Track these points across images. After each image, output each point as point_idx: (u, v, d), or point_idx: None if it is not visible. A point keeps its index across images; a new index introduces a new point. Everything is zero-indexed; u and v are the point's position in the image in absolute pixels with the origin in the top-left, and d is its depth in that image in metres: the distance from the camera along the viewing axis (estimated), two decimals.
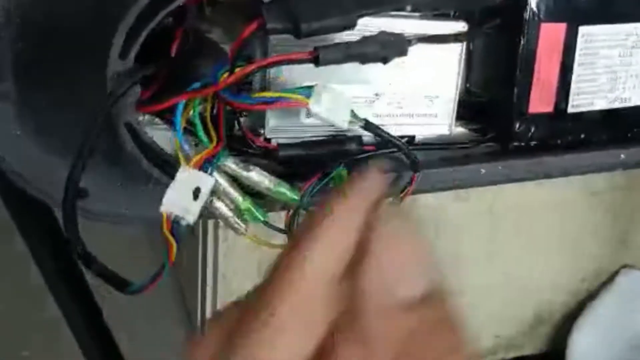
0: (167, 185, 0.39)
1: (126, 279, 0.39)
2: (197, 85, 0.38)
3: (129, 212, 0.46)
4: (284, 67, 0.40)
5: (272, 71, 0.41)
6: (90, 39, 0.39)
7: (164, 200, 0.36)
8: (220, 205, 0.40)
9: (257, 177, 0.40)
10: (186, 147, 0.38)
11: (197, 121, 0.39)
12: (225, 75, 0.38)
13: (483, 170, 0.50)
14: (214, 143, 0.39)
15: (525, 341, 0.87)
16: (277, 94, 0.38)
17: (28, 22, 0.39)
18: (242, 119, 0.44)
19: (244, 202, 0.40)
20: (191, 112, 0.38)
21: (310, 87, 0.37)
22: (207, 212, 0.39)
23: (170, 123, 0.40)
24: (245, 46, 0.36)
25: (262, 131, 0.44)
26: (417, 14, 0.42)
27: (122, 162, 0.41)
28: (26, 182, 0.44)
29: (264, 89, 0.42)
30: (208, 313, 0.57)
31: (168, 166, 0.41)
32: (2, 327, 1.03)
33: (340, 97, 0.38)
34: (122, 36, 0.36)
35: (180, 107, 0.38)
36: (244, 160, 0.41)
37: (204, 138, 0.38)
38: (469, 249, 0.75)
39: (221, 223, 0.45)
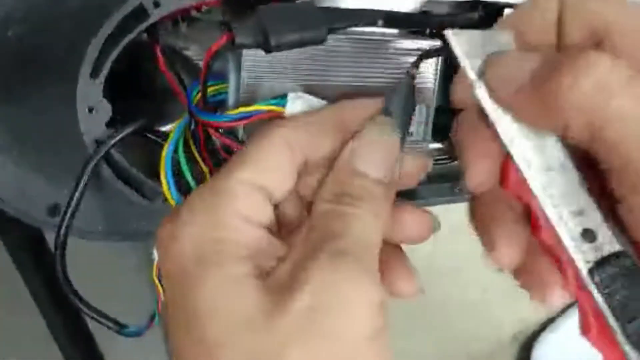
0: (137, 203, 0.40)
1: (121, 322, 0.41)
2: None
3: (103, 229, 0.46)
4: (259, 80, 0.40)
5: (245, 85, 0.41)
6: (62, 56, 0.39)
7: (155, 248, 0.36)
8: None
9: None
10: (175, 195, 0.38)
11: (183, 160, 0.39)
12: (199, 95, 0.39)
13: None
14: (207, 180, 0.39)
15: None
16: (253, 108, 0.38)
17: (2, 35, 0.39)
18: (215, 140, 0.44)
19: None
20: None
21: (284, 96, 0.37)
22: None
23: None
24: (214, 61, 0.36)
25: (234, 149, 0.44)
26: (395, 30, 0.42)
27: (95, 181, 0.41)
28: (2, 201, 0.44)
29: (237, 105, 0.41)
30: None
31: (140, 186, 0.41)
32: None
33: (314, 103, 0.38)
34: (94, 54, 0.36)
35: (172, 145, 0.39)
36: None
37: (190, 178, 0.39)
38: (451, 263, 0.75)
39: None
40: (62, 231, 0.38)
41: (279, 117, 0.37)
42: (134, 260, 1.03)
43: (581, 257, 0.28)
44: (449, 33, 0.31)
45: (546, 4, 0.31)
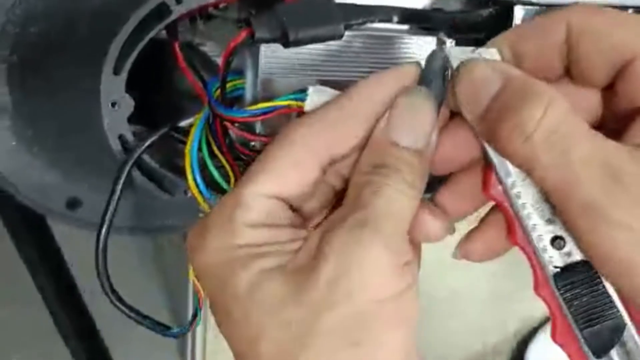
0: (159, 197, 0.40)
1: (167, 324, 0.42)
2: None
3: (120, 223, 0.46)
4: (276, 75, 0.41)
5: (263, 80, 0.41)
6: (84, 52, 0.40)
7: None
8: None
9: None
10: (204, 190, 0.39)
11: (208, 159, 0.40)
12: (218, 90, 0.39)
13: None
14: (233, 184, 0.40)
15: None
16: (272, 104, 0.39)
17: (23, 35, 0.40)
18: (231, 133, 0.45)
19: None
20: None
21: (303, 91, 0.38)
22: None
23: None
24: (234, 56, 0.37)
25: (252, 143, 0.45)
26: (406, 26, 0.43)
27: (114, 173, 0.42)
28: (19, 192, 0.45)
29: (255, 100, 0.42)
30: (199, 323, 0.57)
31: (160, 180, 0.42)
32: None
33: (333, 95, 0.39)
34: (117, 51, 0.37)
35: (196, 142, 0.39)
36: None
37: (221, 180, 0.40)
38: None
39: None
40: (101, 244, 0.39)
41: (300, 112, 0.38)
42: (142, 255, 1.03)
43: (549, 262, 0.31)
44: (444, 48, 0.33)
45: (552, 27, 0.32)
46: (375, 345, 0.29)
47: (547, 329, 0.83)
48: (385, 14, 0.39)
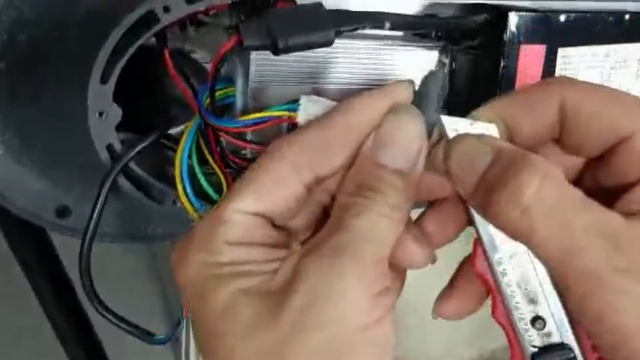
0: (145, 205, 0.40)
1: (149, 331, 0.42)
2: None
3: (111, 230, 0.46)
4: (267, 84, 0.40)
5: (253, 88, 0.41)
6: (72, 61, 0.39)
7: None
8: None
9: None
10: (194, 200, 0.39)
11: (197, 167, 0.40)
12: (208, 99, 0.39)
13: None
14: (224, 190, 0.40)
15: None
16: (265, 114, 0.38)
17: (11, 43, 0.40)
18: (223, 141, 0.45)
19: None
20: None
21: (295, 101, 0.38)
22: None
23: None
24: (223, 64, 0.36)
25: (242, 152, 0.44)
26: (398, 32, 0.42)
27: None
28: (9, 202, 0.44)
29: (246, 108, 0.42)
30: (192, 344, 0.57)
31: (149, 189, 0.41)
32: None
33: (327, 106, 0.38)
34: (103, 60, 0.36)
35: (186, 150, 0.39)
36: None
37: (208, 187, 0.40)
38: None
39: None
40: (85, 250, 0.38)
41: (292, 122, 0.37)
42: (138, 261, 1.03)
43: (528, 342, 0.31)
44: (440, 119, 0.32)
45: (545, 104, 0.32)
46: None
47: None
48: (376, 20, 0.38)
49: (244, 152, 0.42)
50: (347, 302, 0.28)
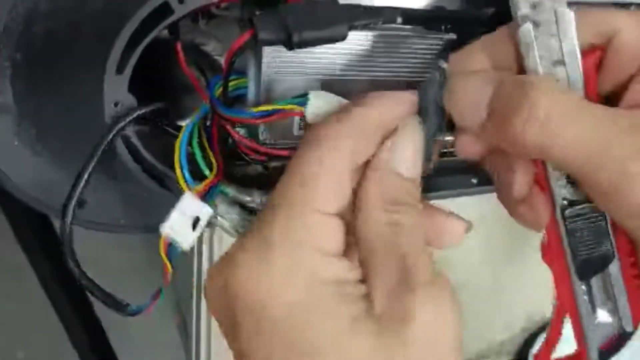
0: (159, 194, 0.40)
1: (123, 301, 0.41)
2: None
3: (125, 221, 0.47)
4: (278, 77, 0.41)
5: (265, 81, 0.41)
6: (87, 52, 0.40)
7: (166, 224, 0.37)
8: (222, 222, 0.41)
9: (257, 199, 0.41)
10: (187, 174, 0.39)
11: (197, 150, 0.40)
12: (219, 90, 0.40)
13: (474, 180, 0.51)
14: (214, 172, 0.40)
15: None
16: (272, 107, 0.39)
17: (27, 34, 0.40)
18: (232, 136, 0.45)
19: (242, 222, 0.41)
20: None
21: (303, 96, 0.38)
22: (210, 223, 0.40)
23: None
24: (237, 57, 0.37)
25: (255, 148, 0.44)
26: (407, 27, 0.43)
27: (116, 171, 0.42)
28: (21, 192, 0.45)
29: (258, 101, 0.42)
30: (203, 318, 0.58)
31: (163, 178, 0.42)
32: None
33: (334, 100, 0.39)
34: (119, 51, 0.37)
35: (186, 135, 0.39)
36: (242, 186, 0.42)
37: (204, 166, 0.40)
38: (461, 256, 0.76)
39: (217, 230, 0.46)
40: (74, 199, 0.37)
41: (300, 116, 0.38)
42: (140, 254, 1.04)
43: (560, 194, 0.33)
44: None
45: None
46: None
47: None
48: (389, 14, 0.39)
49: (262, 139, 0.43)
50: (450, 330, 0.29)
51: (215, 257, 0.53)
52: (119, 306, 0.39)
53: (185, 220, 0.37)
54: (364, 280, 0.29)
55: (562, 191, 0.32)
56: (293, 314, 0.27)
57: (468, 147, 0.34)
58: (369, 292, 0.28)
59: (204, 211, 0.37)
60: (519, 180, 0.34)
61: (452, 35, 0.44)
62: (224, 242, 0.52)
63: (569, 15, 0.31)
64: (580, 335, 0.34)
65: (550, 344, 0.35)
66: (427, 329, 0.27)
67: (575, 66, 0.31)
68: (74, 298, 0.85)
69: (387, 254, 0.29)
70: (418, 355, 0.27)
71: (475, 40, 0.34)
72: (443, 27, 0.45)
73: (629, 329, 0.33)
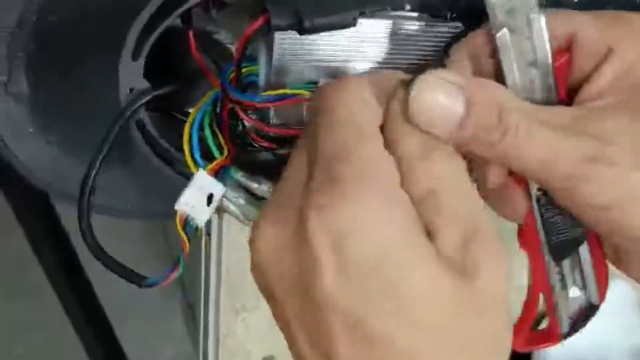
0: (172, 180, 0.41)
1: (140, 274, 0.41)
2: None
3: (133, 207, 0.47)
4: (289, 63, 0.42)
5: (276, 67, 0.42)
6: (102, 40, 0.41)
7: (181, 199, 0.38)
8: (229, 205, 0.42)
9: (265, 187, 0.42)
10: (197, 154, 0.40)
11: (208, 132, 0.41)
12: (231, 76, 0.40)
13: None
14: (225, 153, 0.41)
15: None
16: (284, 91, 0.40)
17: (42, 24, 0.41)
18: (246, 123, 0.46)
19: (248, 207, 0.42)
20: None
21: (314, 83, 0.39)
22: (219, 209, 0.41)
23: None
24: (250, 43, 0.38)
25: (265, 131, 0.45)
26: (415, 14, 0.44)
27: (131, 157, 0.43)
28: (35, 177, 0.46)
29: (269, 87, 0.43)
30: (211, 307, 0.58)
31: (177, 164, 0.42)
32: None
33: None
34: (135, 37, 0.37)
35: (198, 118, 0.40)
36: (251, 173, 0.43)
37: (215, 149, 0.41)
38: None
39: (225, 216, 0.47)
40: (87, 194, 0.39)
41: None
42: (140, 244, 1.04)
43: (534, 185, 0.35)
44: None
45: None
46: None
47: None
48: (398, 1, 0.40)
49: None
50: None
51: (224, 244, 0.54)
52: (137, 279, 0.40)
53: (200, 196, 0.38)
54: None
55: (536, 184, 0.35)
56: (387, 261, 0.27)
57: None
58: (434, 240, 0.29)
59: (218, 188, 0.38)
60: (493, 174, 0.35)
61: (458, 24, 0.45)
62: (232, 229, 0.53)
63: (541, 20, 0.33)
64: (552, 308, 0.37)
65: (527, 320, 0.38)
66: (492, 280, 0.28)
67: (547, 67, 0.34)
68: (78, 289, 0.86)
69: (447, 204, 0.29)
70: (483, 307, 0.28)
71: (460, 43, 0.37)
72: (448, 16, 0.47)
73: (595, 301, 0.37)
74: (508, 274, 0.29)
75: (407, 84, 0.31)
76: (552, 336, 0.38)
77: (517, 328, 0.38)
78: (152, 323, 1.08)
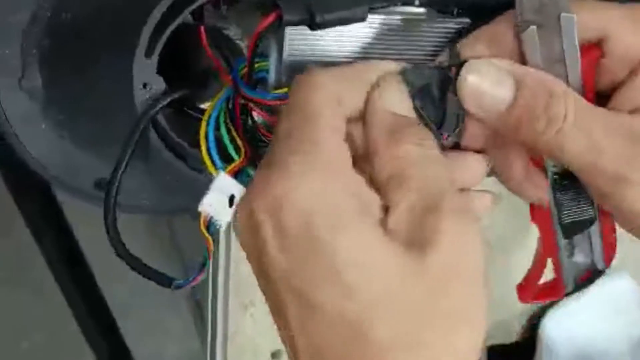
0: (185, 175, 0.42)
1: (170, 276, 0.41)
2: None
3: (148, 203, 0.48)
4: (299, 59, 0.42)
5: (287, 63, 0.43)
6: (115, 36, 0.41)
7: (204, 201, 0.38)
8: None
9: None
10: (216, 155, 0.40)
11: (224, 131, 0.41)
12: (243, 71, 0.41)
13: None
14: (242, 154, 0.41)
15: None
16: None
17: (55, 20, 0.41)
18: (255, 115, 0.46)
19: None
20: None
21: None
22: None
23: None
24: (262, 38, 0.38)
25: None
26: (422, 9, 0.44)
27: (144, 153, 0.43)
28: (49, 173, 0.46)
29: (279, 83, 0.43)
30: (219, 302, 0.59)
31: (189, 159, 0.43)
32: (2, 319, 1.04)
33: None
34: (148, 34, 0.38)
35: (214, 116, 0.41)
36: None
37: (231, 148, 0.41)
38: None
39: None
40: (113, 197, 0.39)
41: None
42: (144, 240, 1.05)
43: (551, 169, 0.36)
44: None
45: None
46: None
47: (560, 306, 0.86)
48: None
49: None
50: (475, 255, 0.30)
51: (233, 240, 0.54)
52: (165, 281, 0.41)
53: (222, 198, 0.38)
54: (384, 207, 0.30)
55: (553, 167, 0.36)
56: (315, 225, 0.28)
57: (473, 139, 0.36)
58: (387, 215, 0.29)
59: (238, 189, 0.39)
60: (517, 165, 0.37)
61: (465, 19, 0.46)
62: None
63: (572, 19, 0.33)
64: (558, 270, 0.39)
65: (533, 278, 0.40)
66: (448, 255, 0.28)
67: (576, 65, 0.34)
68: (80, 281, 0.86)
69: (406, 181, 0.30)
70: (437, 279, 0.27)
71: (476, 32, 0.37)
72: (455, 11, 0.47)
73: (601, 267, 0.39)
74: (478, 249, 0.29)
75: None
76: (557, 291, 0.40)
77: (523, 285, 0.41)
78: (155, 319, 1.08)
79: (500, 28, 0.35)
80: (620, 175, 0.31)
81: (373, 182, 0.31)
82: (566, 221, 0.37)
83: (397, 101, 0.33)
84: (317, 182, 0.28)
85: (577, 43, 0.33)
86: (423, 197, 0.29)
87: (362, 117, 0.33)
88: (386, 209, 0.29)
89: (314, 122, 0.31)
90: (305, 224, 0.28)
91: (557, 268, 0.39)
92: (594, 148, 0.32)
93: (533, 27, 0.33)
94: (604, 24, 0.34)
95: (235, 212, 0.32)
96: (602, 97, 0.35)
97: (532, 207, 0.39)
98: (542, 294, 0.41)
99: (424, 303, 0.27)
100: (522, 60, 0.34)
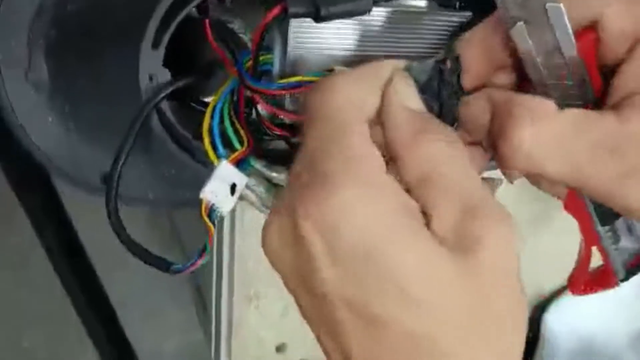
0: (190, 168, 0.42)
1: (169, 260, 0.42)
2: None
3: (154, 196, 0.48)
4: (303, 52, 0.43)
5: (291, 56, 0.43)
6: (122, 27, 0.41)
7: (206, 188, 0.39)
8: (248, 193, 0.43)
9: (283, 176, 0.43)
10: (219, 144, 0.41)
11: (227, 123, 0.42)
12: (248, 64, 0.41)
13: None
14: (245, 144, 0.42)
15: None
16: (298, 79, 0.41)
17: (62, 11, 0.42)
18: (259, 107, 0.47)
19: (268, 196, 0.43)
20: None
21: (330, 71, 0.40)
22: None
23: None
24: (268, 31, 0.38)
25: (280, 118, 0.46)
26: (425, 2, 0.45)
27: (149, 144, 0.44)
28: (55, 166, 0.46)
29: (283, 75, 0.44)
30: (224, 294, 0.59)
31: (194, 151, 0.43)
32: (3, 318, 1.04)
33: None
34: (155, 25, 0.38)
35: (219, 105, 0.41)
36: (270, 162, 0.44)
37: (235, 139, 0.42)
38: None
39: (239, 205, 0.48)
40: (114, 183, 0.39)
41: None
42: (144, 231, 1.04)
43: None
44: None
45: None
46: None
47: (562, 300, 0.86)
48: None
49: (282, 117, 0.44)
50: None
51: (237, 231, 0.55)
52: (163, 265, 0.41)
53: (224, 186, 0.38)
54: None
55: None
56: (372, 242, 0.28)
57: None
58: (430, 221, 0.29)
59: (240, 178, 0.39)
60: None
61: (468, 12, 0.46)
62: (246, 216, 0.54)
63: (559, 9, 0.32)
64: (606, 259, 0.38)
65: (582, 270, 0.39)
66: (496, 255, 0.28)
67: (572, 51, 0.33)
68: (82, 277, 0.87)
69: (440, 182, 0.30)
70: (489, 281, 0.28)
71: (470, 31, 0.36)
72: (457, 5, 0.48)
73: None
74: (516, 251, 0.29)
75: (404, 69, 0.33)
76: (608, 280, 0.39)
77: (573, 277, 0.40)
78: (156, 310, 1.08)
79: (491, 26, 0.35)
80: (616, 193, 0.31)
81: (401, 184, 0.30)
82: (601, 207, 0.36)
83: (411, 97, 0.33)
84: (366, 198, 0.28)
85: (570, 31, 0.32)
86: (460, 198, 0.29)
87: (379, 117, 0.32)
88: (423, 213, 0.30)
89: (346, 131, 0.30)
90: (362, 241, 0.28)
91: (604, 256, 0.38)
92: (579, 172, 0.31)
93: (520, 23, 0.33)
94: (594, 6, 0.33)
95: (266, 227, 0.31)
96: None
97: (566, 196, 0.38)
98: (593, 285, 0.40)
99: (480, 309, 0.28)
100: (516, 56, 0.34)
